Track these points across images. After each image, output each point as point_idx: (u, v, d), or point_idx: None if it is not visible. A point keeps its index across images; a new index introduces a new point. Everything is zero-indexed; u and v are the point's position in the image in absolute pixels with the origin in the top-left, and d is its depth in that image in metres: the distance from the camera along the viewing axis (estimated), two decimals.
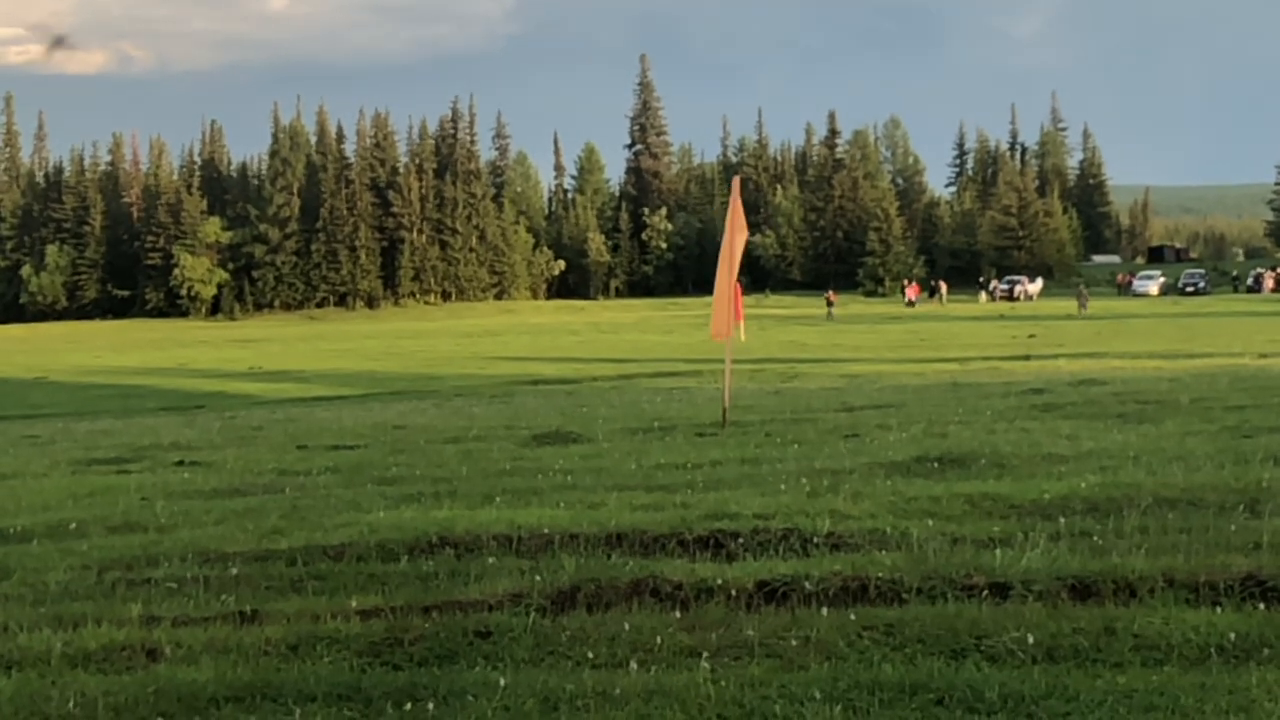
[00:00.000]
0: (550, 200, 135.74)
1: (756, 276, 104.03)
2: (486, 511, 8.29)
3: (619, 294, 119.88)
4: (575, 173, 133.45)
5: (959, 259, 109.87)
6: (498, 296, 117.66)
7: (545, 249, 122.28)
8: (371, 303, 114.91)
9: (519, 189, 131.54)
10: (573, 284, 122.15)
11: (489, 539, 7.29)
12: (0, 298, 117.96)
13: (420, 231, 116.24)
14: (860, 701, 4.55)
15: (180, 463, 13.17)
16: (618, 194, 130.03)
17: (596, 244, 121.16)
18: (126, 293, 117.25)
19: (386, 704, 4.74)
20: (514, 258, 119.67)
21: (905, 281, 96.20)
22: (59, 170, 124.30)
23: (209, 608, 6.21)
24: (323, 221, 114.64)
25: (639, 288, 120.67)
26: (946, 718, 4.44)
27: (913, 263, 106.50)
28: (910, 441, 11.79)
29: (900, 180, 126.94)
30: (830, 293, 79.06)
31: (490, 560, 6.84)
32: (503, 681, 4.83)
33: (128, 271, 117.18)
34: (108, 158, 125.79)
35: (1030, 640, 5.02)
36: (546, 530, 7.38)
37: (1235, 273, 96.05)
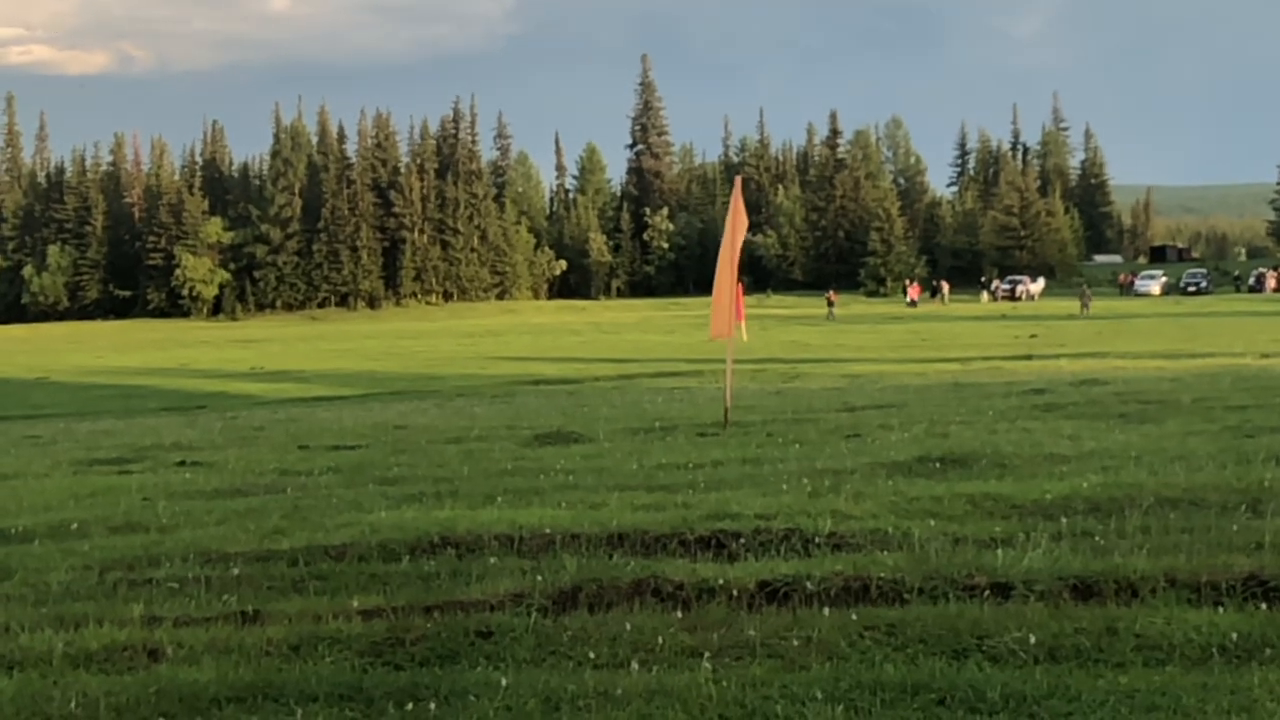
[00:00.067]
0: (552, 200, 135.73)
1: (758, 276, 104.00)
2: (488, 511, 8.29)
3: (620, 294, 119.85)
4: (576, 173, 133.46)
5: (961, 259, 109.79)
6: (499, 296, 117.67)
7: (547, 249, 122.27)
8: (373, 303, 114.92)
9: (520, 189, 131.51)
10: (574, 284, 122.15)
11: (491, 539, 7.30)
12: (2, 298, 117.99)
13: (422, 231, 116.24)
14: (862, 702, 4.55)
15: (182, 463, 13.18)
16: (619, 194, 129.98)
17: (598, 244, 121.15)
18: (128, 293, 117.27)
19: (388, 704, 4.74)
20: (515, 258, 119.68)
21: (907, 281, 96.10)
22: (60, 170, 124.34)
23: (211, 608, 6.21)
24: (324, 222, 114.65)
25: (640, 288, 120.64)
26: (948, 718, 4.43)
27: (914, 263, 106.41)
28: (912, 441, 11.79)
29: (902, 180, 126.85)
30: (831, 292, 78.89)
31: (492, 560, 6.84)
32: (504, 681, 4.84)
33: (129, 272, 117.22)
34: (109, 158, 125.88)
35: (1032, 640, 5.01)
36: (548, 530, 7.39)
37: (1237, 272, 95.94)
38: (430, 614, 5.79)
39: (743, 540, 7.03)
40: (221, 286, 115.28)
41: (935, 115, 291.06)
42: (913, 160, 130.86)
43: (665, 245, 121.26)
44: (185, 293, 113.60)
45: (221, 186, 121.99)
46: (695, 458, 11.19)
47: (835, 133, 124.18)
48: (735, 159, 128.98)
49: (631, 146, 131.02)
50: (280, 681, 5.00)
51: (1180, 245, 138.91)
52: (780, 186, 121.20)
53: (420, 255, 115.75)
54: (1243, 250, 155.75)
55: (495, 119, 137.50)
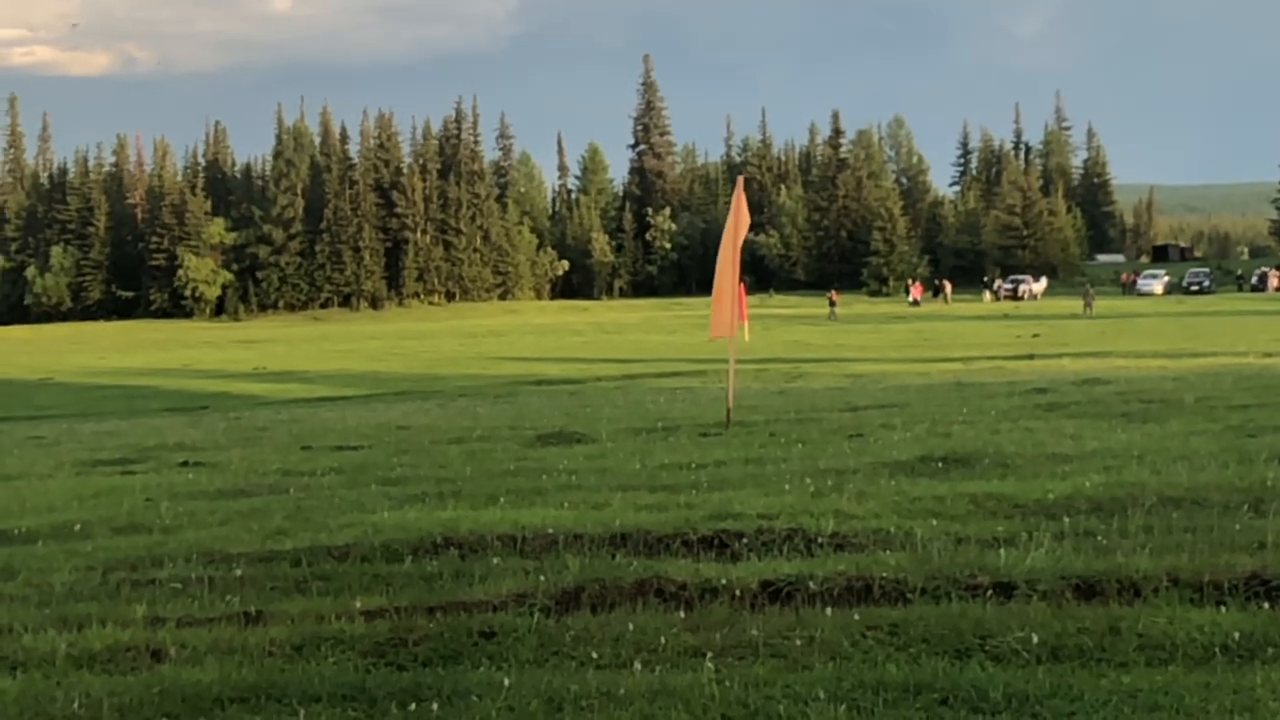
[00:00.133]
0: (554, 200, 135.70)
1: (761, 276, 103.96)
2: (491, 512, 8.30)
3: (623, 294, 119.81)
4: (579, 173, 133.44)
5: (963, 258, 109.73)
6: (502, 297, 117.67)
7: (549, 249, 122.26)
8: (375, 303, 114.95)
9: (523, 189, 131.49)
10: (576, 284, 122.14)
11: (493, 539, 7.30)
12: (5, 299, 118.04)
13: (424, 232, 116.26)
14: (865, 701, 4.55)
15: (185, 463, 13.20)
16: (621, 194, 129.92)
17: (600, 244, 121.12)
18: (131, 294, 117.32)
19: (391, 704, 4.75)
20: (518, 258, 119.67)
21: (909, 281, 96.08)
22: (63, 171, 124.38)
23: (214, 608, 6.22)
24: (327, 222, 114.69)
25: (643, 288, 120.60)
26: (951, 718, 4.43)
27: (917, 262, 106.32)
28: (914, 441, 11.79)
29: (904, 180, 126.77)
30: (833, 292, 78.77)
31: (495, 561, 6.85)
32: (507, 682, 4.84)
33: (132, 272, 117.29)
34: (112, 159, 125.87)
35: (1035, 640, 5.01)
36: (551, 530, 7.39)
37: (1240, 271, 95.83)
38: (433, 614, 5.79)
39: (745, 540, 7.03)
40: (224, 287, 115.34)
41: (937, 115, 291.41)
42: (915, 160, 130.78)
43: (668, 245, 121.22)
44: (188, 293, 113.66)
45: (224, 187, 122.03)
46: (698, 458, 11.19)
47: (838, 132, 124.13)
48: (737, 159, 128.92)
49: (634, 146, 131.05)
50: (283, 682, 5.01)
51: (1183, 244, 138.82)
52: (783, 186, 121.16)
53: (423, 256, 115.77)
54: (1245, 249, 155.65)
55: (498, 119, 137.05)
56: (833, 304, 73.44)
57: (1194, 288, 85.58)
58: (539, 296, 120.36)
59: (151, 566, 7.29)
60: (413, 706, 4.70)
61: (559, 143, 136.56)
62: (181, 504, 9.80)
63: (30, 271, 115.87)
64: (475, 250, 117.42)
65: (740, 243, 15.01)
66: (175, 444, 15.78)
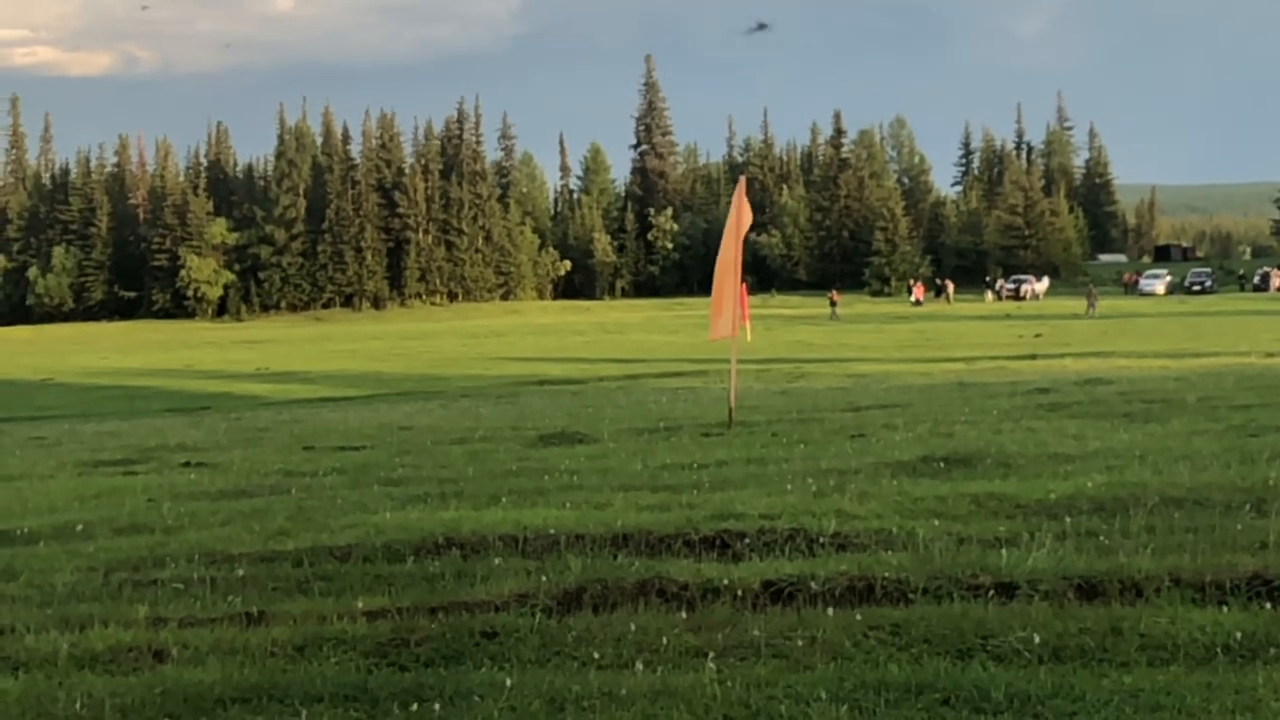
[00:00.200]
0: (556, 200, 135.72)
1: (762, 276, 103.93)
2: (493, 512, 8.30)
3: (625, 294, 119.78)
4: (581, 173, 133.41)
5: (965, 258, 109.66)
6: (504, 297, 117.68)
7: (551, 249, 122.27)
8: (377, 303, 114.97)
9: (524, 189, 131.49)
10: (578, 284, 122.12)
11: (495, 540, 7.30)
12: (7, 299, 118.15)
13: (426, 232, 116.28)
14: (866, 702, 4.55)
15: (187, 464, 13.20)
16: (623, 194, 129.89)
17: (602, 244, 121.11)
18: (133, 294, 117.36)
19: (393, 705, 4.75)
20: (520, 258, 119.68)
21: (911, 281, 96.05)
22: (65, 172, 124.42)
23: (215, 609, 6.22)
24: (329, 222, 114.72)
25: (645, 288, 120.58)
26: (953, 718, 4.43)
27: (919, 262, 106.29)
28: (916, 441, 11.79)
29: (906, 180, 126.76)
30: (834, 292, 78.69)
31: (496, 561, 6.85)
32: (509, 682, 4.84)
33: (134, 273, 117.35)
34: (114, 159, 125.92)
35: (1036, 640, 5.01)
36: (552, 531, 7.39)
37: (1242, 271, 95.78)
38: (435, 615, 5.80)
39: (747, 540, 7.03)
40: (226, 287, 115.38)
41: (939, 115, 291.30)
42: (917, 160, 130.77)
43: (670, 245, 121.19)
44: (190, 294, 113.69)
45: (226, 187, 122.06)
46: (700, 458, 11.19)
47: (839, 132, 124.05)
48: (739, 159, 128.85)
49: (636, 146, 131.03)
50: (285, 682, 5.01)
51: (1185, 244, 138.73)
52: (784, 186, 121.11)
53: (425, 256, 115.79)
54: (1247, 249, 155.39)
55: (500, 119, 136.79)
56: (833, 304, 73.39)
57: (1196, 288, 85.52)
58: (541, 297, 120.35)
59: (153, 567, 7.29)
60: (415, 707, 4.70)
61: (561, 143, 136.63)
62: (183, 504, 9.81)
63: (32, 272, 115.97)
64: (477, 250, 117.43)
65: (741, 241, 15.01)
66: (177, 444, 15.79)
